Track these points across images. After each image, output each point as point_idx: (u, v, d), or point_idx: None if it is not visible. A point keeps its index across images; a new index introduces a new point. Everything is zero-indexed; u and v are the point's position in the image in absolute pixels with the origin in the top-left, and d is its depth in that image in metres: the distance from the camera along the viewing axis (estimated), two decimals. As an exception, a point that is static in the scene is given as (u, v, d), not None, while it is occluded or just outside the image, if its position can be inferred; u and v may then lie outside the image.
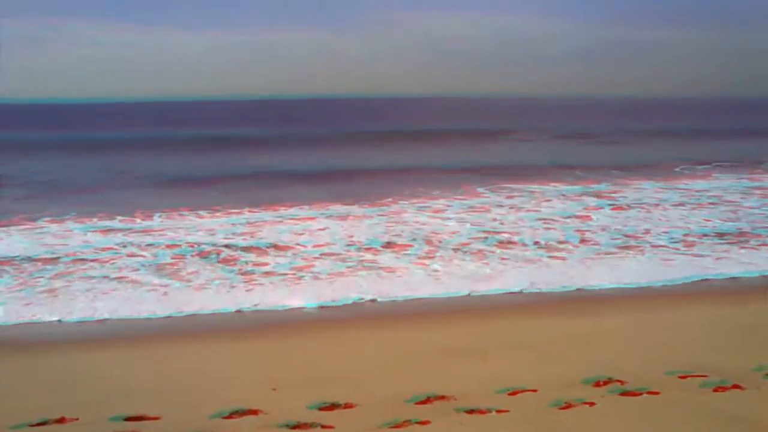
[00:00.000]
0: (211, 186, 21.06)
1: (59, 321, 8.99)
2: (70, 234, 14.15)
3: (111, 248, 12.80)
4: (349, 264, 11.76)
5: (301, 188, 20.46)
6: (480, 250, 12.66)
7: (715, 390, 5.75)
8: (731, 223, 15.02)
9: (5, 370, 7.16)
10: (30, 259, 11.93)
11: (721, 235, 13.89)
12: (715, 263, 11.66)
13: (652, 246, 12.99)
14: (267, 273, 11.17)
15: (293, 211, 16.75)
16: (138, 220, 15.54)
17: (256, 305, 9.50)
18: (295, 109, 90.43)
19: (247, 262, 11.89)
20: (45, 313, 9.20)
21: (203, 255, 12.32)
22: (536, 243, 13.25)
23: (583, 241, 13.47)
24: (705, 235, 13.83)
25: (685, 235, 13.92)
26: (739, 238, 13.59)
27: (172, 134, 41.61)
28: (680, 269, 11.33)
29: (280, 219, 15.78)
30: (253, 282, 10.65)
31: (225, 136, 41.84)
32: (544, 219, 15.66)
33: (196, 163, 27.55)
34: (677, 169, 24.67)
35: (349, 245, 13.04)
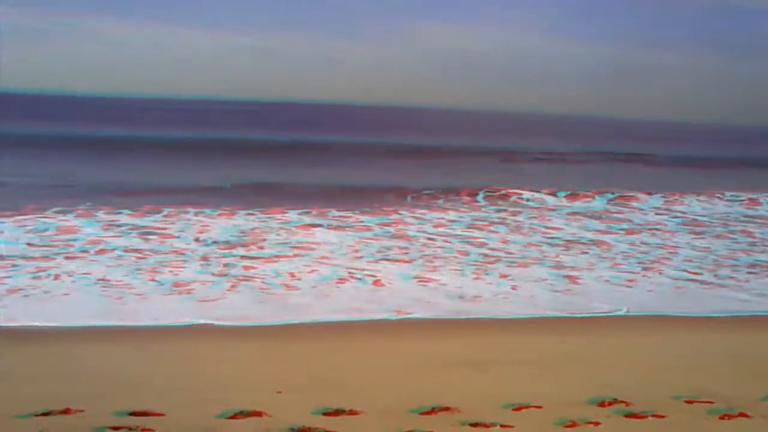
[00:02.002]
0: (211, 193, 20.48)
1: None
2: (75, 228, 14.21)
3: (105, 250, 12.61)
4: (351, 274, 11.66)
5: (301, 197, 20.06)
6: (482, 268, 12.56)
7: (722, 417, 5.73)
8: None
9: (11, 360, 7.20)
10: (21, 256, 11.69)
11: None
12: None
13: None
14: (271, 280, 11.06)
15: (294, 216, 16.79)
16: (144, 217, 15.59)
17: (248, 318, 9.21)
18: (301, 114, 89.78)
19: (243, 266, 11.84)
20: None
21: (201, 260, 12.21)
22: (555, 262, 13.18)
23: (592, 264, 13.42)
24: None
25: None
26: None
27: (175, 136, 40.34)
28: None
29: (281, 225, 15.79)
30: (251, 290, 10.49)
31: (229, 139, 40.67)
32: (555, 239, 15.68)
33: (197, 167, 26.88)
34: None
35: (354, 257, 12.95)
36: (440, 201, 20.16)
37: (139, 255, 12.29)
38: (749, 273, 12.90)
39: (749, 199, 23.15)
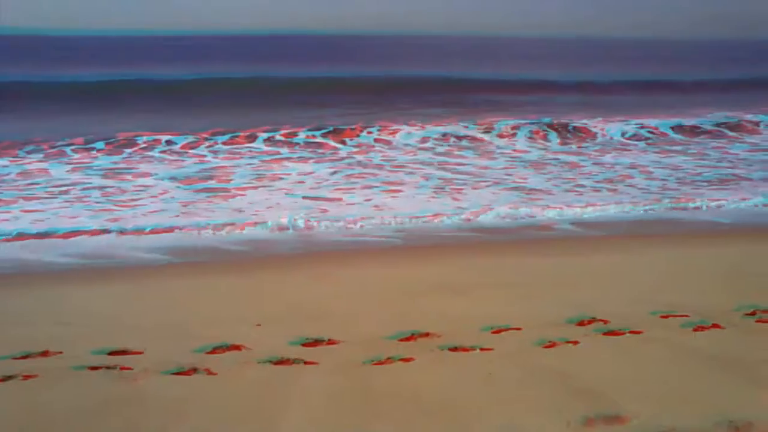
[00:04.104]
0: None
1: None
2: (41, 169, 13.97)
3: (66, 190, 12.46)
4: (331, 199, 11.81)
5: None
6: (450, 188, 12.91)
7: (696, 329, 5.83)
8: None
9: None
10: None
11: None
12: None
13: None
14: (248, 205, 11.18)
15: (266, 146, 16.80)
16: (112, 156, 15.53)
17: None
18: (291, 47, 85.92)
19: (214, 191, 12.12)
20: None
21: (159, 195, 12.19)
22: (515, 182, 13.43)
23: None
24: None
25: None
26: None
27: (168, 77, 37.00)
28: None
29: (254, 151, 16.04)
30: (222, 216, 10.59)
31: (227, 78, 36.98)
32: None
33: (188, 112, 25.20)
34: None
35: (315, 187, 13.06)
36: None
37: (101, 192, 12.26)
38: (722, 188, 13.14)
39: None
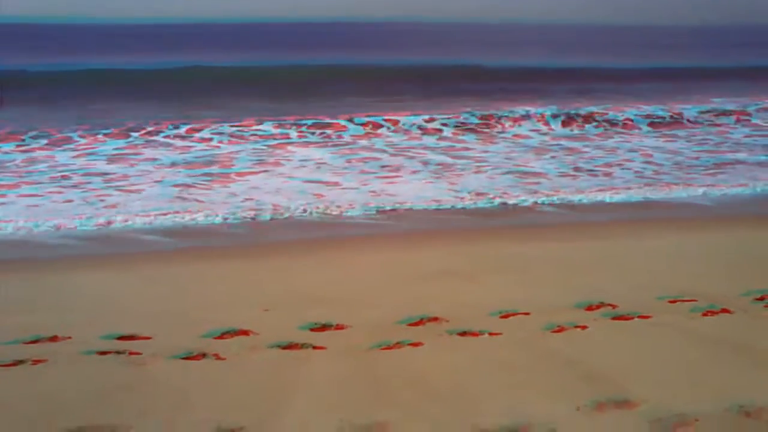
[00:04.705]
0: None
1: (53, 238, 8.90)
2: (47, 155, 13.94)
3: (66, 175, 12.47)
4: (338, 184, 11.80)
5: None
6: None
7: (705, 314, 5.81)
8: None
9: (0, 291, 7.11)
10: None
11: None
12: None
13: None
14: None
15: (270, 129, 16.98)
16: (116, 140, 15.51)
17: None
18: (295, 34, 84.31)
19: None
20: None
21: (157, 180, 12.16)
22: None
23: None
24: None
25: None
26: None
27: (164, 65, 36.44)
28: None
29: (258, 135, 16.28)
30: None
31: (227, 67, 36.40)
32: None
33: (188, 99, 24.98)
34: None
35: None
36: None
37: (103, 178, 12.25)
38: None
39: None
